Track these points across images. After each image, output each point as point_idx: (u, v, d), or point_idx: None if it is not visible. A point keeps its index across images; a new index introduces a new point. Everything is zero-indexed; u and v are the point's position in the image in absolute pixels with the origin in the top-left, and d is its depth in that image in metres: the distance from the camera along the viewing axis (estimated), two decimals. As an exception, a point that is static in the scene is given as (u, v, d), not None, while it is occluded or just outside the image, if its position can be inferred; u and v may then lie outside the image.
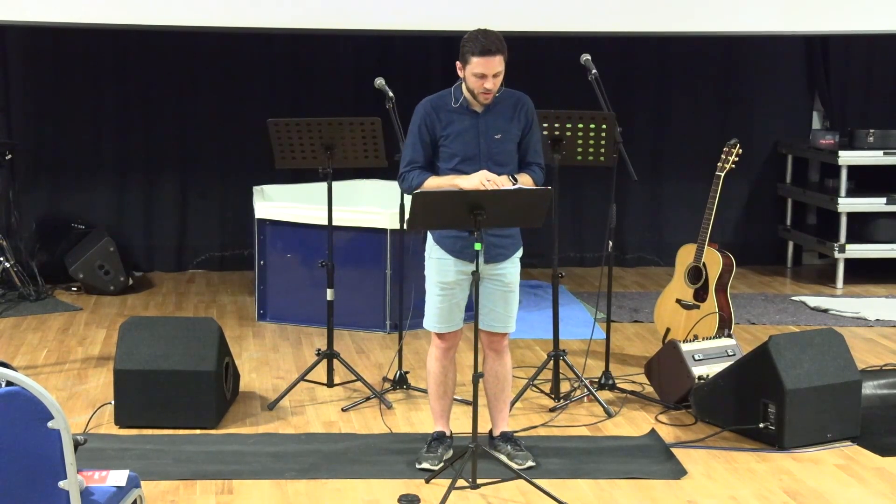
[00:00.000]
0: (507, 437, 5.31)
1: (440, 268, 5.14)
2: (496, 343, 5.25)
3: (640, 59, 9.62)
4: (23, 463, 3.37)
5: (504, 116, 5.09)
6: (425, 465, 5.17)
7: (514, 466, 5.09)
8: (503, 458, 5.16)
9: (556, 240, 6.13)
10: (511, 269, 5.18)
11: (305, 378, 6.28)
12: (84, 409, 5.91)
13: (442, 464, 5.14)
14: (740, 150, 6.61)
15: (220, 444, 5.51)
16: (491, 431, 5.37)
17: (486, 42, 4.93)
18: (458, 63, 5.03)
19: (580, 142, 6.09)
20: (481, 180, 4.90)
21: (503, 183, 4.92)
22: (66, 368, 6.69)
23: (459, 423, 5.52)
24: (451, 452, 5.23)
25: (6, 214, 8.79)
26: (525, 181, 5.05)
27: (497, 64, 4.95)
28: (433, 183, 5.02)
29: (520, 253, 5.23)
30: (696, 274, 6.71)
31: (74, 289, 8.53)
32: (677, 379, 6.00)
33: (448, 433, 5.32)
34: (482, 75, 4.95)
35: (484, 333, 5.21)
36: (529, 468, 5.16)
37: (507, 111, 5.10)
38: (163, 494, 4.92)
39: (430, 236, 5.19)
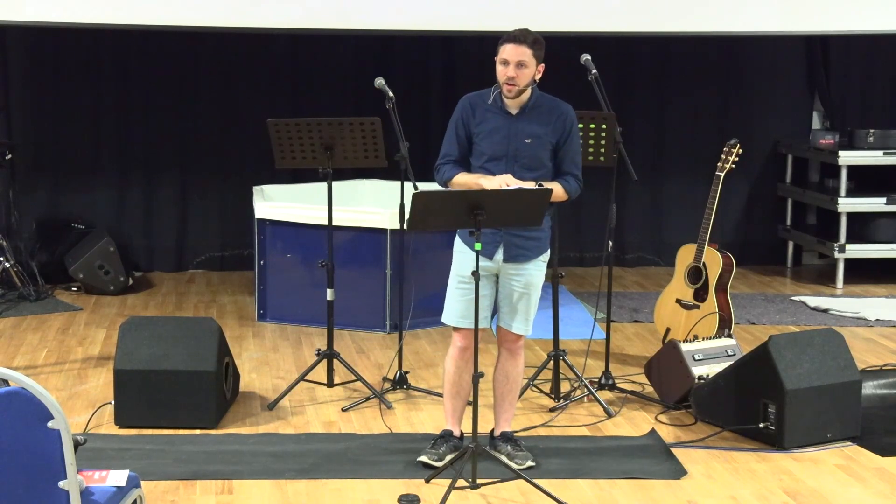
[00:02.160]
0: (508, 438, 5.30)
1: (461, 261, 5.15)
2: (509, 343, 5.24)
3: (640, 59, 9.61)
4: (23, 463, 3.37)
5: (539, 122, 5.11)
6: (423, 458, 5.17)
7: (514, 466, 5.08)
8: (503, 458, 5.15)
9: (556, 240, 6.12)
10: (533, 271, 5.16)
11: (305, 378, 6.27)
12: (84, 409, 5.91)
13: (441, 461, 5.14)
14: (740, 150, 6.61)
15: (220, 444, 5.51)
16: (492, 431, 5.37)
17: (516, 32, 5.07)
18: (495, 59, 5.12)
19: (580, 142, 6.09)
20: (500, 183, 4.94)
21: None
22: (66, 368, 6.69)
23: (459, 422, 5.52)
24: (456, 452, 5.22)
25: (6, 214, 8.79)
26: (555, 189, 5.04)
27: (522, 53, 5.01)
28: (461, 179, 5.09)
29: (545, 256, 5.21)
30: (696, 274, 6.71)
31: (74, 289, 8.52)
32: (677, 379, 6.00)
33: (457, 433, 5.30)
34: (505, 61, 5.03)
35: (499, 330, 5.24)
36: (529, 468, 5.15)
37: (542, 117, 5.12)
38: (163, 494, 4.91)
39: (457, 230, 5.22)
